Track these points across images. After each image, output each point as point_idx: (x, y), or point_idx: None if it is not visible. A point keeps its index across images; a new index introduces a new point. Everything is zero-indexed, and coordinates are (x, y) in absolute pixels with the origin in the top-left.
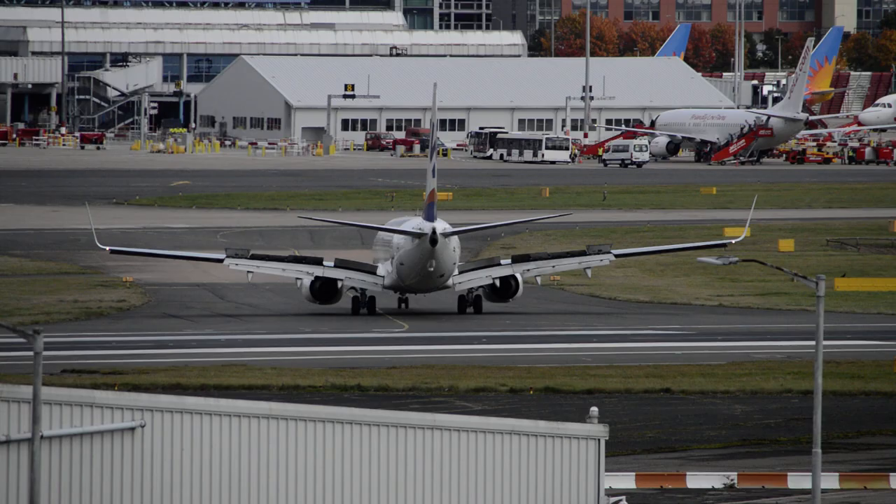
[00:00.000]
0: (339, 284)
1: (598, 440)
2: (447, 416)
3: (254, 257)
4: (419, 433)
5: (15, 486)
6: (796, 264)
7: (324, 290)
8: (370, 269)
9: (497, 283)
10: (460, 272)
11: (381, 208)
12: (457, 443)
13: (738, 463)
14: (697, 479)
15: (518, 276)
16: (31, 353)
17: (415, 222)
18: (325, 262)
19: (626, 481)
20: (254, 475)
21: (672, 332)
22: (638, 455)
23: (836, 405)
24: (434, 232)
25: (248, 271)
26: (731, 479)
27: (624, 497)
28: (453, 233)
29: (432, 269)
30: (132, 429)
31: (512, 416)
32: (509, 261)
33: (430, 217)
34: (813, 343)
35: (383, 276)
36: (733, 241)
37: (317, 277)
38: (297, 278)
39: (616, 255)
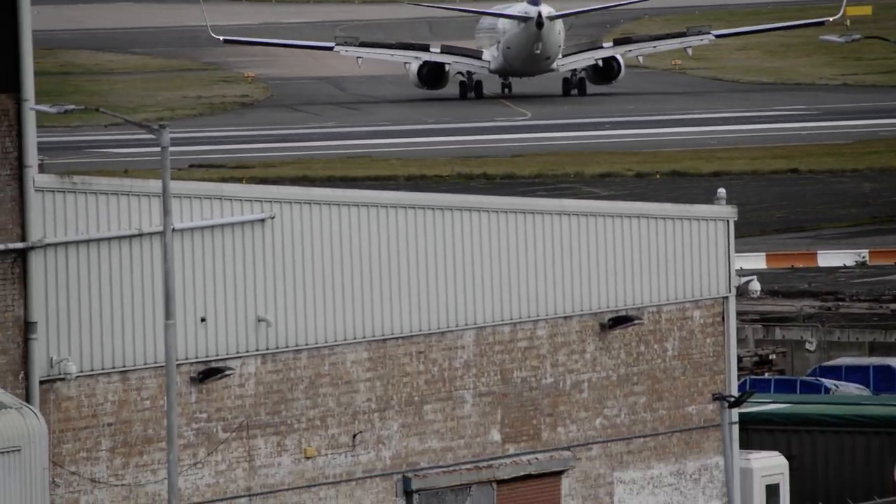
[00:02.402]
0: (446, 69)
1: (727, 221)
2: (574, 201)
3: (363, 44)
4: (547, 218)
5: (150, 278)
6: None
7: (431, 74)
8: (476, 54)
9: (600, 63)
10: (563, 56)
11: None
12: (584, 228)
13: (869, 240)
14: (828, 258)
15: (619, 57)
16: (158, 149)
17: (520, 7)
18: (431, 48)
19: (757, 261)
20: (384, 264)
21: (797, 112)
22: (768, 235)
23: None
24: (540, 15)
25: (358, 57)
26: (863, 257)
27: (755, 277)
28: (558, 16)
29: (538, 51)
30: (262, 220)
31: (639, 200)
32: (611, 43)
33: (534, 1)
34: None
35: (489, 61)
36: (830, 20)
37: (424, 62)
38: (406, 63)
39: (716, 36)
